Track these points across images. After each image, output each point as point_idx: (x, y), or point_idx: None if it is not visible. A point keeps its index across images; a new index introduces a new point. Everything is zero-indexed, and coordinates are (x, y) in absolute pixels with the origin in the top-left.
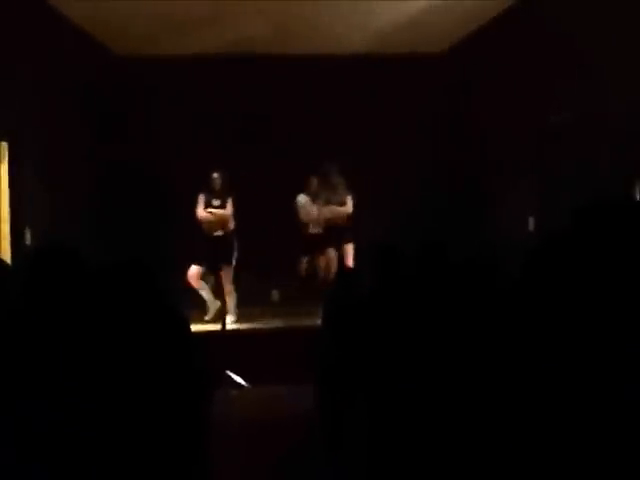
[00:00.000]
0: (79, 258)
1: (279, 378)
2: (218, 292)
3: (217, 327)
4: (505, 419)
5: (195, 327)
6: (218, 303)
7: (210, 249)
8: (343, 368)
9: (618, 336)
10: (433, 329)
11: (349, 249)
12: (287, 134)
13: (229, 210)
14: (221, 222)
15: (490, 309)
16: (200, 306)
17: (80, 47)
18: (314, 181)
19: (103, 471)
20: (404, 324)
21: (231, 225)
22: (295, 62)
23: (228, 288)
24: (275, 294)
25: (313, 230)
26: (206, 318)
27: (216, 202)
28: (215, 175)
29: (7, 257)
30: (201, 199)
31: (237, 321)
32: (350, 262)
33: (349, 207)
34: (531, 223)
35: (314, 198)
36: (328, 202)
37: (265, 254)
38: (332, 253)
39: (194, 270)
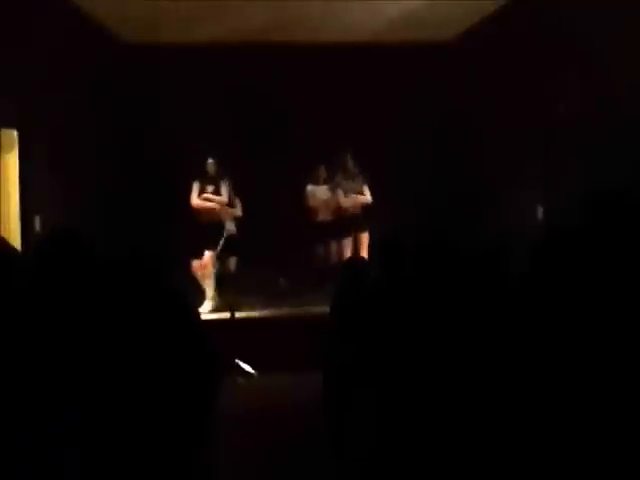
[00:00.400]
0: (90, 245)
1: (286, 366)
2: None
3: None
4: (514, 411)
5: (203, 315)
6: (214, 295)
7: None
8: (349, 358)
9: (626, 330)
10: (439, 321)
11: (364, 238)
12: (294, 122)
13: (225, 196)
14: (217, 211)
15: (498, 301)
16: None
17: (87, 34)
18: (322, 170)
19: (111, 457)
20: (409, 315)
21: (232, 212)
22: (302, 50)
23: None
24: (283, 282)
25: (322, 218)
26: (206, 309)
27: (210, 188)
28: (210, 161)
29: (16, 244)
30: (195, 186)
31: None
32: (364, 251)
33: (368, 196)
34: (540, 212)
35: (333, 187)
36: (347, 191)
37: (273, 242)
38: (347, 242)
39: (207, 257)
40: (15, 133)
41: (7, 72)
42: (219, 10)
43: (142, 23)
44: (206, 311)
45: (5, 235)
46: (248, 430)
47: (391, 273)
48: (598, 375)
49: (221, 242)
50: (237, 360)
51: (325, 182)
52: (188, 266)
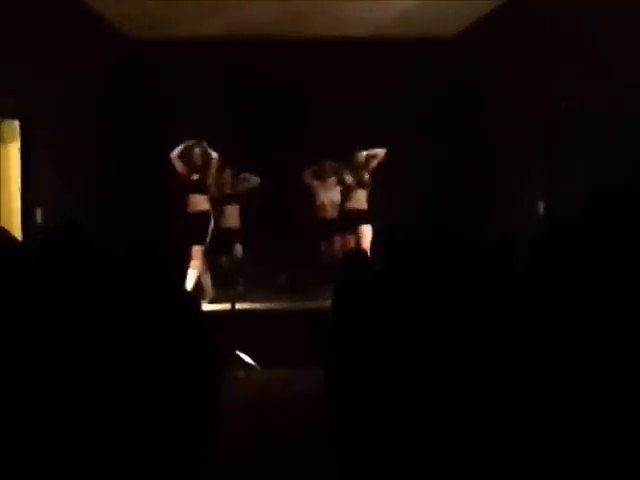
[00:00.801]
0: (91, 237)
1: (287, 360)
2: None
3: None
4: (516, 407)
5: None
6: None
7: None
8: (350, 352)
9: (628, 326)
10: (440, 316)
11: (366, 231)
12: (297, 118)
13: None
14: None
15: (500, 297)
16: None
17: (92, 28)
18: (328, 166)
19: (112, 450)
20: (411, 310)
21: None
22: (306, 45)
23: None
24: (284, 277)
25: (328, 215)
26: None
27: (195, 177)
28: (196, 150)
29: (17, 234)
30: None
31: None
32: (367, 245)
33: (364, 203)
34: (541, 207)
35: (340, 181)
36: (352, 185)
37: (274, 237)
38: (351, 238)
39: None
40: (17, 124)
41: (9, 63)
42: (224, 5)
43: (144, 19)
44: (205, 302)
45: (6, 226)
46: (249, 423)
47: (393, 268)
48: (601, 371)
49: (209, 232)
50: (237, 351)
51: (330, 177)
52: (188, 257)
